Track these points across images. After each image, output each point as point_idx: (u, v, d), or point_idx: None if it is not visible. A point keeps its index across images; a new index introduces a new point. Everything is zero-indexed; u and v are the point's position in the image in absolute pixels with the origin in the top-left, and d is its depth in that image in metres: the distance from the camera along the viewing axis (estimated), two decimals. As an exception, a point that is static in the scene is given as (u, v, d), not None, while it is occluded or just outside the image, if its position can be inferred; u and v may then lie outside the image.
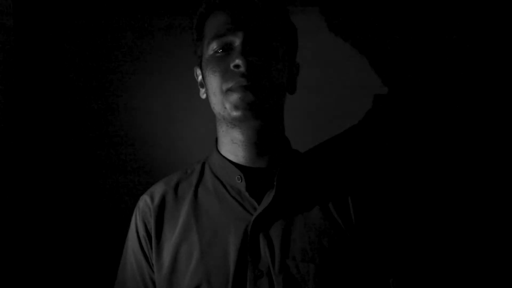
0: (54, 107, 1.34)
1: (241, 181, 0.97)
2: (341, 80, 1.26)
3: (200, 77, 1.05)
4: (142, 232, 1.02)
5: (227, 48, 0.96)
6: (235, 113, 0.94)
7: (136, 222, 1.03)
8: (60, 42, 1.34)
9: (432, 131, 1.22)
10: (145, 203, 1.03)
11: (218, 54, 0.96)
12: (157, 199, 1.03)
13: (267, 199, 0.96)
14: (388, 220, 0.99)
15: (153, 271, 1.00)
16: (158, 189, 1.05)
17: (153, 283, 1.01)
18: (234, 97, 0.93)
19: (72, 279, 1.32)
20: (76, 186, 1.33)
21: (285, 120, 1.04)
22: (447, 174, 1.21)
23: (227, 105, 0.94)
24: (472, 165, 1.21)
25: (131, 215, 1.07)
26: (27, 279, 1.30)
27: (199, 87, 1.06)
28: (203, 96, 1.04)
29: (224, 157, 1.00)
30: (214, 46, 0.97)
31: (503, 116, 1.20)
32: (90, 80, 1.34)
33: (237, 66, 0.92)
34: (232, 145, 0.99)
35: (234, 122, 0.96)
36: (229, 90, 0.94)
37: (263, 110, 0.94)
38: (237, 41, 0.95)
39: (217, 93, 0.96)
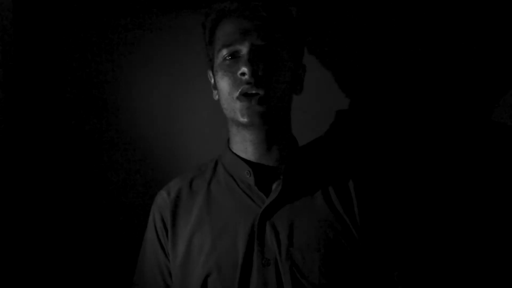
0: (54, 106, 1.35)
1: (250, 176, 1.05)
2: (344, 78, 1.30)
3: (212, 80, 1.11)
4: (159, 224, 1.08)
5: (235, 56, 1.03)
6: (242, 119, 1.01)
7: (154, 215, 1.10)
8: (60, 42, 1.34)
9: (432, 127, 1.25)
10: (162, 198, 1.10)
11: (227, 61, 1.03)
12: (173, 193, 1.10)
13: (275, 193, 1.03)
14: (391, 214, 1.05)
15: (169, 260, 1.07)
16: (174, 185, 1.12)
17: (169, 272, 1.07)
18: (242, 105, 1.00)
19: (75, 278, 1.32)
20: (77, 186, 1.34)
21: (292, 119, 1.10)
22: (445, 170, 1.24)
23: (236, 111, 1.02)
24: (476, 155, 1.23)
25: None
26: (28, 279, 1.30)
27: (212, 89, 1.12)
28: (216, 98, 1.10)
29: (235, 154, 1.08)
30: (223, 53, 1.04)
31: (501, 116, 1.24)
32: (90, 80, 1.34)
33: (243, 73, 1.00)
34: (243, 144, 1.06)
35: (243, 126, 1.04)
36: (236, 97, 1.01)
37: (270, 117, 1.01)
38: (244, 50, 1.02)
39: (227, 99, 1.03)
